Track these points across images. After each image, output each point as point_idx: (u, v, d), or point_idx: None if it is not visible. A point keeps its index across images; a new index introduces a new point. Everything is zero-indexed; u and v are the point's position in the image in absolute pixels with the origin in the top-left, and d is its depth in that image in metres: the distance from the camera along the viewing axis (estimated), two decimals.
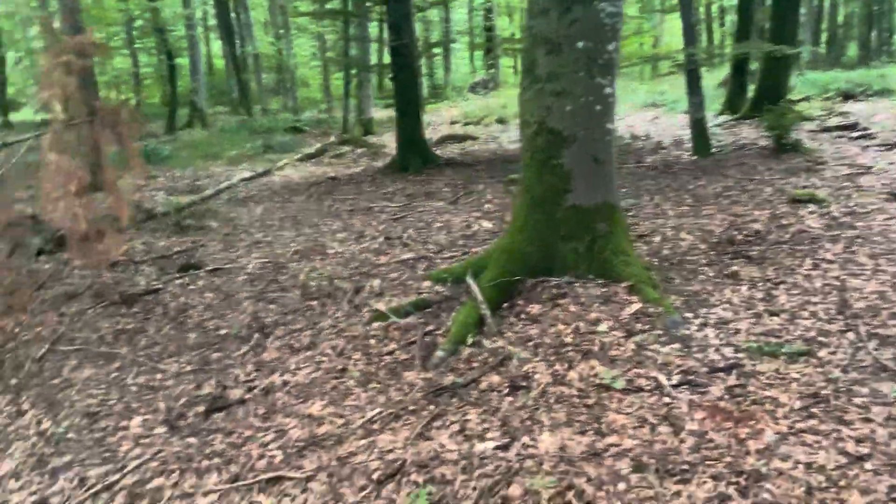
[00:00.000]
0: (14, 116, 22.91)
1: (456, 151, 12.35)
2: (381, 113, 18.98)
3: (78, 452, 3.47)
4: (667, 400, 3.06)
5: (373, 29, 16.42)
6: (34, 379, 4.37)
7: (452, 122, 16.90)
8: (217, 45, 28.14)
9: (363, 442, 3.17)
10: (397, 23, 10.09)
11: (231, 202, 9.33)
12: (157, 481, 3.13)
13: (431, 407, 3.39)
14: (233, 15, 22.68)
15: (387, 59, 12.18)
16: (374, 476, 2.88)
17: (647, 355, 3.42)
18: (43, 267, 6.72)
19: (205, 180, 11.43)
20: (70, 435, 3.64)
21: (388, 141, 13.88)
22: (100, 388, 4.17)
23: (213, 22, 25.63)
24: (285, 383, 3.95)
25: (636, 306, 3.85)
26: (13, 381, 4.35)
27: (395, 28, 10.09)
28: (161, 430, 3.62)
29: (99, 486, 3.12)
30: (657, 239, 5.59)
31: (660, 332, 3.63)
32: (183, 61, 21.77)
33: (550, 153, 4.34)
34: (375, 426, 3.31)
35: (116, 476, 3.19)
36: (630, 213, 6.37)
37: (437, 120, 17.60)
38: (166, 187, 10.72)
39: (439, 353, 3.88)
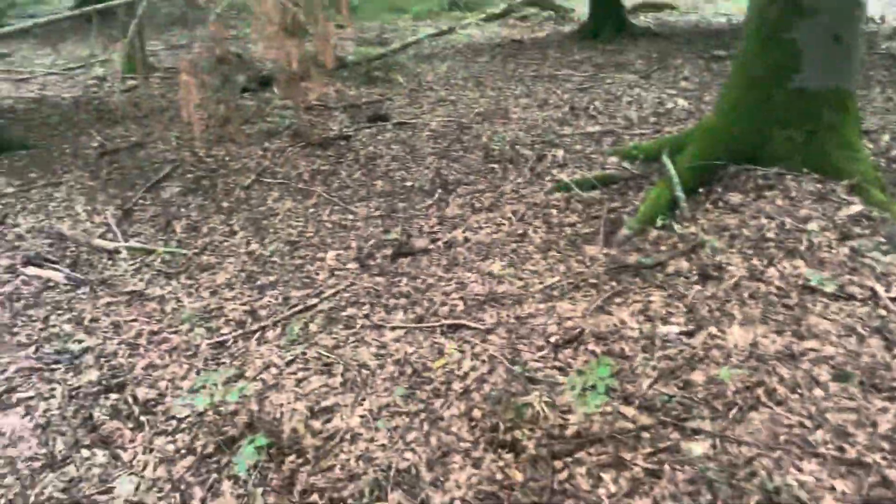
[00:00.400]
0: None
1: (651, 21, 11.38)
2: None
3: (281, 275, 3.84)
4: (882, 312, 2.78)
5: None
6: (243, 205, 4.82)
7: None
8: None
9: (542, 306, 3.22)
10: None
11: (416, 58, 9.35)
12: (349, 310, 3.41)
13: (613, 283, 3.34)
14: None
15: None
16: (552, 339, 2.93)
17: (864, 262, 3.09)
18: (247, 103, 7.23)
19: (391, 34, 11.50)
20: (274, 259, 4.03)
21: (577, 5, 13.04)
22: (299, 221, 4.53)
23: None
24: (466, 240, 4.05)
25: (856, 208, 3.45)
26: (225, 204, 4.83)
27: None
28: (353, 265, 3.90)
29: (300, 307, 3.46)
30: (886, 137, 4.91)
31: (882, 239, 3.25)
32: None
33: (781, 26, 3.83)
34: (555, 293, 3.33)
35: (315, 300, 3.52)
36: None
37: None
38: (355, 38, 10.91)
39: (625, 231, 3.77)
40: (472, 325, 3.12)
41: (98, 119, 6.86)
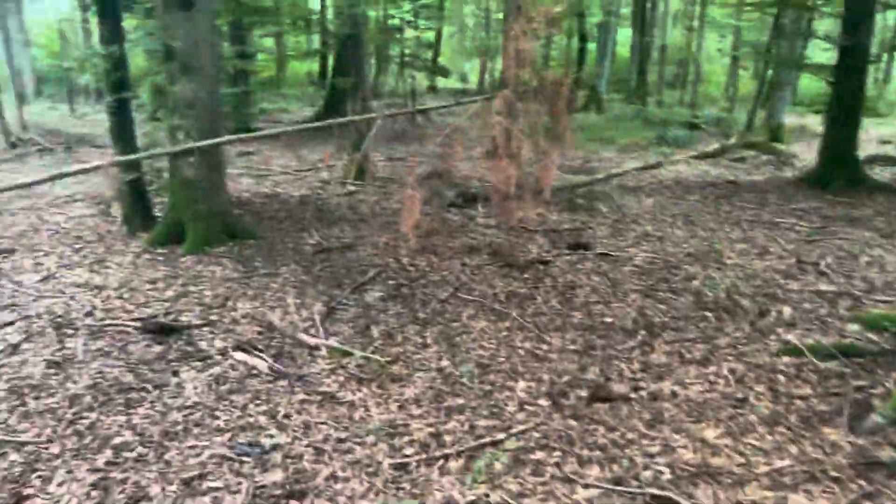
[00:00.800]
0: (443, 82, 26.31)
1: (888, 176, 10.35)
2: (792, 119, 16.98)
3: (469, 399, 3.67)
4: None
5: (818, 24, 14.59)
6: (438, 317, 4.81)
7: (883, 142, 14.26)
8: (622, 34, 28.36)
9: (770, 494, 2.71)
10: (856, 19, 8.67)
11: (621, 189, 9.22)
12: (538, 454, 3.12)
13: (861, 482, 2.76)
14: (648, 4, 22.50)
15: (820, 57, 10.65)
16: None
17: None
18: (452, 218, 7.46)
19: (595, 163, 11.55)
20: (464, 380, 3.89)
21: (800, 151, 12.31)
22: (491, 343, 4.39)
23: (625, 10, 25.83)
24: (674, 394, 3.64)
25: None
26: (421, 315, 4.85)
27: (852, 25, 8.68)
28: (544, 402, 3.64)
29: (487, 439, 3.24)
30: None
31: None
32: (590, 45, 22.41)
33: None
34: (785, 480, 2.81)
35: (502, 435, 3.28)
36: None
37: (863, 137, 15.05)
38: (560, 164, 11.09)
39: (875, 419, 3.15)
40: (683, 502, 2.68)
41: (318, 218, 7.44)
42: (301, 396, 3.67)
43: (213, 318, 4.70)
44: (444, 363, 4.11)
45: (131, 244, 6.26)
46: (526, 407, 3.58)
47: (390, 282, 5.49)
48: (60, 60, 22.59)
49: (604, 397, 3.64)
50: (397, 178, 9.77)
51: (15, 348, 4.18)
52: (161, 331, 4.41)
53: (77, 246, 6.26)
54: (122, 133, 6.25)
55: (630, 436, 3.26)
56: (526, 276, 5.63)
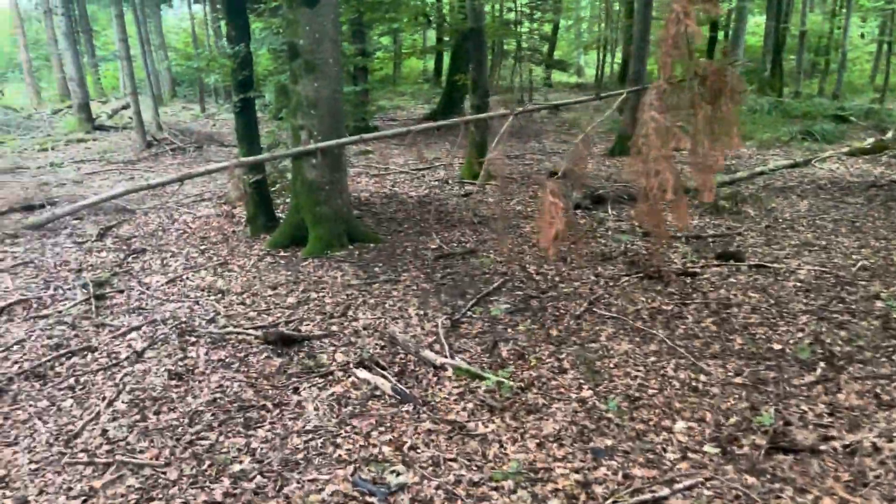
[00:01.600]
0: (556, 77, 25.54)
1: None
2: None
3: (620, 440, 3.18)
4: None
5: None
6: (573, 336, 4.33)
7: None
8: (753, 21, 26.35)
9: None
10: None
11: (768, 190, 8.30)
12: None
13: None
14: None
15: None
16: None
17: None
18: (578, 221, 6.93)
19: (733, 160, 10.57)
20: (611, 415, 3.39)
21: None
22: (638, 370, 3.86)
23: None
24: (876, 448, 2.98)
25: None
26: (554, 333, 4.39)
27: None
28: (711, 448, 3.08)
29: (647, 496, 2.74)
30: None
31: None
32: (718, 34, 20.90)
33: None
34: None
35: (665, 490, 2.77)
36: None
37: None
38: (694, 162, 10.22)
39: None
40: None
41: (437, 220, 7.13)
42: (428, 425, 3.31)
43: (333, 328, 4.46)
44: (586, 393, 3.63)
45: (254, 246, 6.20)
46: (689, 454, 3.04)
47: (517, 293, 5.06)
48: (192, 62, 23.94)
49: (786, 448, 3.03)
50: (517, 177, 9.32)
51: (139, 356, 4.10)
52: (282, 341, 4.21)
53: (203, 247, 6.28)
54: (247, 133, 6.19)
55: (828, 502, 2.66)
56: (671, 290, 5.03)
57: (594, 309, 4.74)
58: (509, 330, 4.44)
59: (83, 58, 19.87)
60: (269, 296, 5.04)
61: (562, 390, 3.67)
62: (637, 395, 3.59)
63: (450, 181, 9.32)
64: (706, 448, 3.08)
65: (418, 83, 24.42)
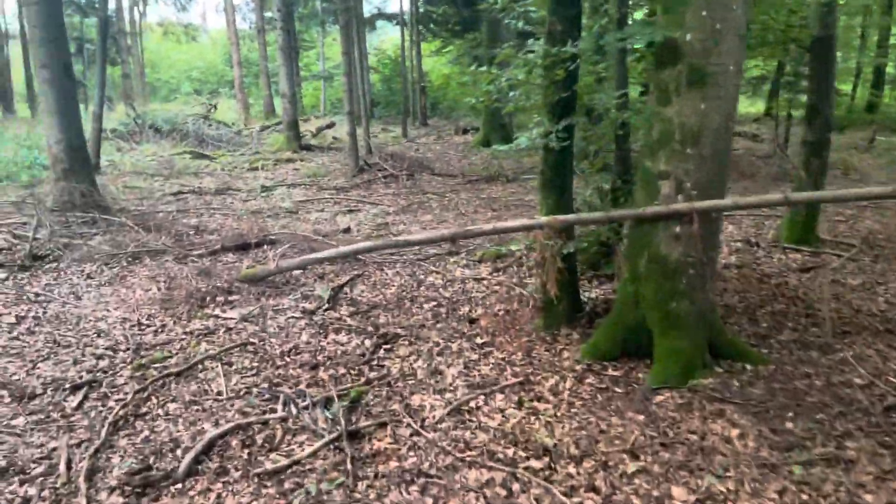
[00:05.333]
0: None
1: None
2: None
3: None
4: None
5: None
6: None
7: None
8: None
9: None
10: None
11: None
12: None
13: None
14: None
15: None
16: None
17: None
18: None
19: None
20: None
21: None
22: None
23: None
24: None
25: None
26: None
27: None
28: None
29: None
30: None
31: None
32: None
33: None
34: None
35: None
36: None
37: None
38: None
39: None
40: None
41: (806, 314, 4.62)
42: None
43: None
44: None
45: (559, 350, 4.06)
46: None
47: None
48: (391, 84, 23.13)
49: None
50: (856, 241, 6.58)
51: None
52: None
53: (480, 340, 4.25)
54: (559, 176, 4.12)
55: None
56: None
57: None
58: None
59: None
60: (628, 472, 2.85)
61: None
62: None
63: (760, 244, 6.76)
64: None
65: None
